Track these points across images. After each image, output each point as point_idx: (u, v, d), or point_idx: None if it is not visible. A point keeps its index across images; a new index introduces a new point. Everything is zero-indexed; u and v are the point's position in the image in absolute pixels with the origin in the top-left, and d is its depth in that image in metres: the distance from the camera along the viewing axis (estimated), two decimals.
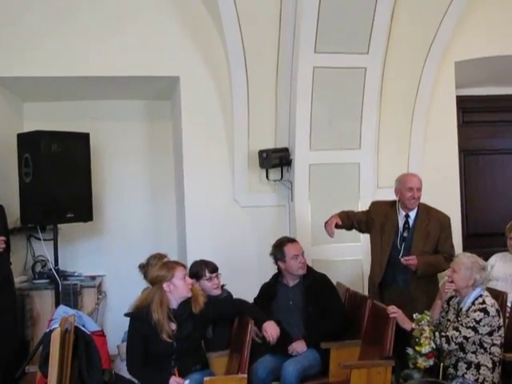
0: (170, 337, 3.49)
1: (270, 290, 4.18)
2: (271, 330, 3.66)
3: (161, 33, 5.17)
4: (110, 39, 5.08)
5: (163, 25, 5.17)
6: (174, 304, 3.57)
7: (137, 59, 5.14)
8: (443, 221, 4.24)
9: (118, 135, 5.86)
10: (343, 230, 4.66)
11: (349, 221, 4.44)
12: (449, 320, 3.69)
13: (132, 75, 5.18)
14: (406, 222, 4.29)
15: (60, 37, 5.01)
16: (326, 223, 4.34)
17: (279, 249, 4.15)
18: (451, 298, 3.81)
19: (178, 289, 3.54)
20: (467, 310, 3.58)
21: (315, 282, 4.13)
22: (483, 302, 3.54)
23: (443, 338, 3.50)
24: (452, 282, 3.67)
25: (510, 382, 3.59)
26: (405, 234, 4.28)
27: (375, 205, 4.50)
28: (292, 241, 4.22)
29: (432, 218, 4.23)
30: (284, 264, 4.12)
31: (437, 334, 3.53)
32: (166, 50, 5.19)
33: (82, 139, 5.17)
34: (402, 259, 4.16)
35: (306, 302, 4.07)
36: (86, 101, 5.76)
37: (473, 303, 3.58)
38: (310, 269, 4.21)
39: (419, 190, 4.28)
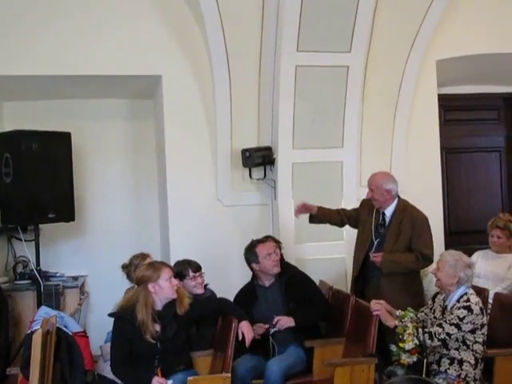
0: (154, 338, 3.47)
1: (250, 294, 4.17)
2: (247, 331, 3.63)
3: (143, 31, 5.13)
4: (92, 38, 5.04)
5: (145, 23, 5.14)
6: (159, 305, 3.55)
7: (118, 58, 5.10)
8: (416, 218, 4.23)
9: (100, 134, 5.81)
10: (327, 229, 4.72)
11: (339, 217, 4.55)
12: (435, 317, 3.71)
13: (114, 74, 5.14)
14: (383, 220, 4.33)
15: (40, 36, 4.95)
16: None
17: (251, 251, 4.17)
18: (436, 294, 3.84)
19: (164, 290, 3.52)
20: (452, 308, 3.60)
21: (291, 277, 4.17)
22: (468, 300, 3.57)
23: (426, 334, 3.53)
24: (438, 279, 3.70)
25: (492, 378, 3.61)
26: (381, 231, 4.32)
27: (364, 202, 4.55)
28: (262, 241, 4.23)
29: (406, 216, 4.24)
30: (258, 265, 4.13)
31: (420, 330, 3.55)
32: (148, 48, 5.15)
33: (64, 138, 5.12)
34: (370, 255, 4.21)
35: (286, 298, 4.09)
36: (68, 100, 5.70)
37: (458, 301, 3.61)
38: (283, 265, 4.22)
39: (371, 189, 4.30)
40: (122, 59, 5.11)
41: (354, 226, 4.60)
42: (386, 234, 4.27)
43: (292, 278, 4.16)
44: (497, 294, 4.03)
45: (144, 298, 3.48)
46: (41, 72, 5.00)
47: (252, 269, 4.20)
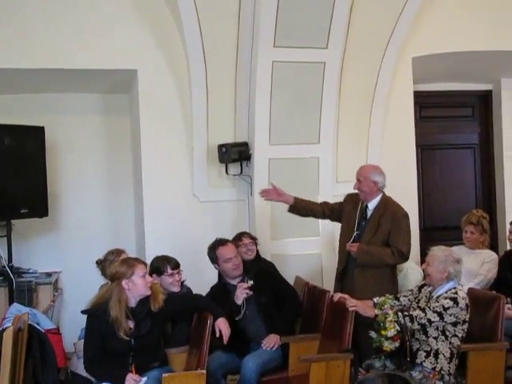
0: (128, 335, 3.44)
1: (222, 292, 4.15)
2: (225, 327, 3.62)
3: (118, 25, 5.07)
4: (67, 31, 4.96)
5: (121, 17, 5.08)
6: (133, 302, 3.52)
7: (94, 52, 5.04)
8: (395, 212, 4.26)
9: (75, 129, 5.73)
10: (303, 225, 4.73)
11: (321, 208, 4.53)
12: (419, 307, 3.73)
13: (89, 68, 5.07)
14: (365, 213, 4.35)
15: (14, 27, 4.87)
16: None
17: (212, 252, 4.17)
18: (423, 285, 3.86)
19: (137, 287, 3.49)
20: (438, 297, 3.63)
21: (259, 271, 4.17)
22: (455, 293, 3.60)
23: (407, 317, 3.53)
24: (428, 274, 3.71)
25: (465, 373, 3.65)
26: (362, 224, 4.33)
27: (347, 197, 4.55)
28: (224, 243, 4.18)
29: (387, 211, 4.27)
30: (219, 266, 4.15)
31: (399, 314, 3.55)
32: (123, 42, 5.09)
33: (37, 133, 5.07)
34: (347, 245, 4.23)
35: (257, 293, 4.06)
36: (42, 94, 5.61)
37: (445, 292, 3.64)
38: (251, 260, 4.22)
39: (359, 180, 4.31)
40: (97, 53, 5.04)
41: (336, 219, 4.59)
42: (365, 227, 4.29)
43: (259, 272, 4.16)
44: (470, 290, 4.07)
45: (117, 294, 3.45)
46: (14, 65, 4.92)
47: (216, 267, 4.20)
